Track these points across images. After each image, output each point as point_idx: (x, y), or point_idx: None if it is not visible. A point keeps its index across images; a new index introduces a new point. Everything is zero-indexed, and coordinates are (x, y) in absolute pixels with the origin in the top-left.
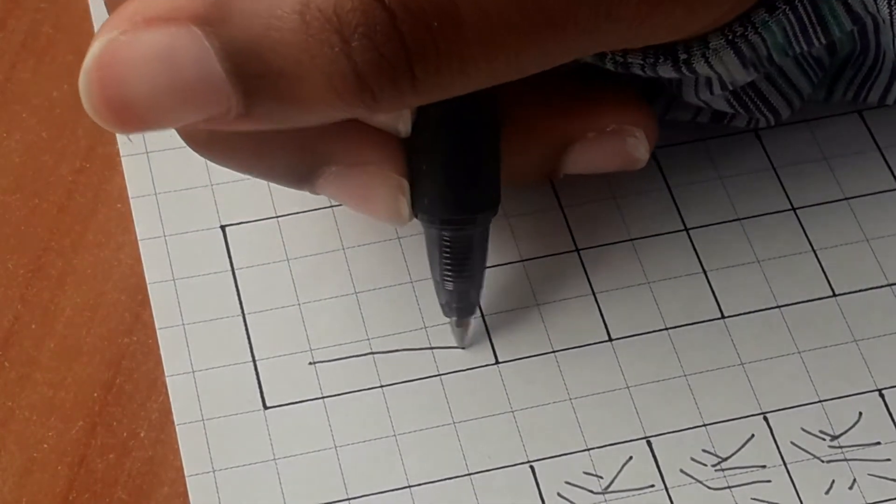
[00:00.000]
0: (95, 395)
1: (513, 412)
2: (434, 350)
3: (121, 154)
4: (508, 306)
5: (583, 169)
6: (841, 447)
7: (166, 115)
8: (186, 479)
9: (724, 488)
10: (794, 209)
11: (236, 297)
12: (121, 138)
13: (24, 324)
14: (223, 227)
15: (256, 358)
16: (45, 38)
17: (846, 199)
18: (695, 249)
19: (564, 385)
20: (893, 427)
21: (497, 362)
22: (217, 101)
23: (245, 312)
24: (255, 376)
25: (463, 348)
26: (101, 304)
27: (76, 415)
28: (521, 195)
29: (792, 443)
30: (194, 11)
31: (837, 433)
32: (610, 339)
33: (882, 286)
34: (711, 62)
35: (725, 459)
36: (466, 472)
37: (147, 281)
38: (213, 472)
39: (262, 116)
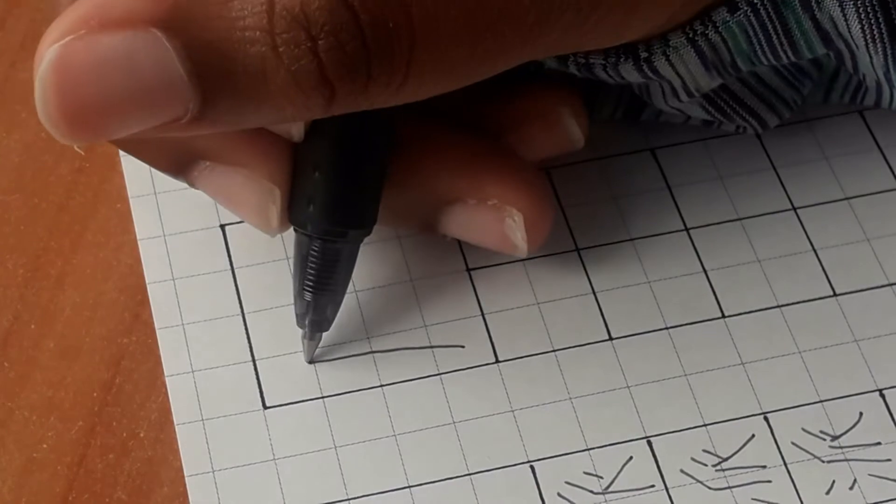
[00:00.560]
0: (95, 395)
1: (513, 412)
2: (434, 349)
3: (120, 154)
4: (509, 305)
5: (459, 234)
6: (841, 447)
7: (123, 122)
8: (186, 479)
9: (725, 488)
10: (794, 209)
11: (236, 297)
12: None
13: (23, 323)
14: (223, 227)
15: (256, 358)
16: None
17: (847, 198)
18: (695, 249)
19: (564, 384)
20: (894, 427)
21: (497, 361)
22: (175, 105)
23: (245, 312)
24: (254, 376)
25: (309, 363)
26: (100, 304)
27: (75, 415)
28: None
29: (792, 443)
30: (154, 14)
31: (838, 433)
32: (610, 339)
33: (882, 286)
34: (672, 60)
35: (726, 459)
36: (466, 472)
37: (146, 280)
38: (213, 472)
39: (216, 118)
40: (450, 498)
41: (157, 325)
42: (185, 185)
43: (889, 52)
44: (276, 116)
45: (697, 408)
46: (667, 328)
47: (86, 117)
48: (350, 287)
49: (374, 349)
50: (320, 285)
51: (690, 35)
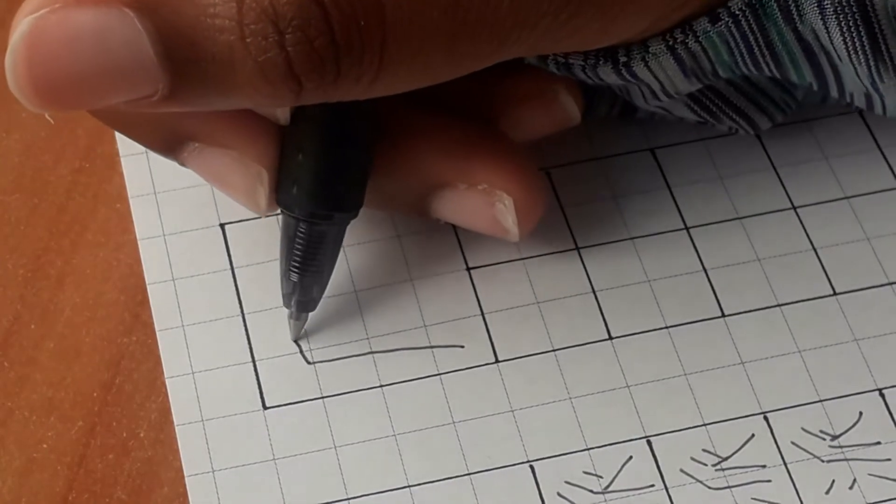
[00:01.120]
0: (95, 395)
1: (513, 411)
2: (434, 349)
3: (120, 154)
4: (508, 305)
5: (450, 218)
6: (841, 447)
7: (93, 96)
8: (186, 479)
9: (725, 488)
10: (794, 208)
11: (236, 297)
12: (120, 138)
13: (23, 324)
14: (222, 226)
15: (256, 358)
16: None
17: (846, 197)
18: (695, 248)
19: (564, 384)
20: (894, 427)
21: (497, 361)
22: (145, 84)
23: (245, 312)
24: (254, 376)
25: (294, 341)
26: (100, 304)
27: (75, 415)
28: None
29: (792, 442)
30: None
31: (838, 433)
32: (610, 338)
33: (883, 285)
34: (651, 65)
35: (725, 459)
36: (466, 472)
37: (146, 281)
38: (213, 472)
39: (186, 100)
40: (450, 498)
41: (156, 326)
42: (185, 185)
43: (871, 62)
44: (246, 102)
45: (697, 407)
46: (666, 327)
47: (54, 89)
48: (350, 287)
49: (373, 349)
50: (306, 266)
51: (670, 42)
